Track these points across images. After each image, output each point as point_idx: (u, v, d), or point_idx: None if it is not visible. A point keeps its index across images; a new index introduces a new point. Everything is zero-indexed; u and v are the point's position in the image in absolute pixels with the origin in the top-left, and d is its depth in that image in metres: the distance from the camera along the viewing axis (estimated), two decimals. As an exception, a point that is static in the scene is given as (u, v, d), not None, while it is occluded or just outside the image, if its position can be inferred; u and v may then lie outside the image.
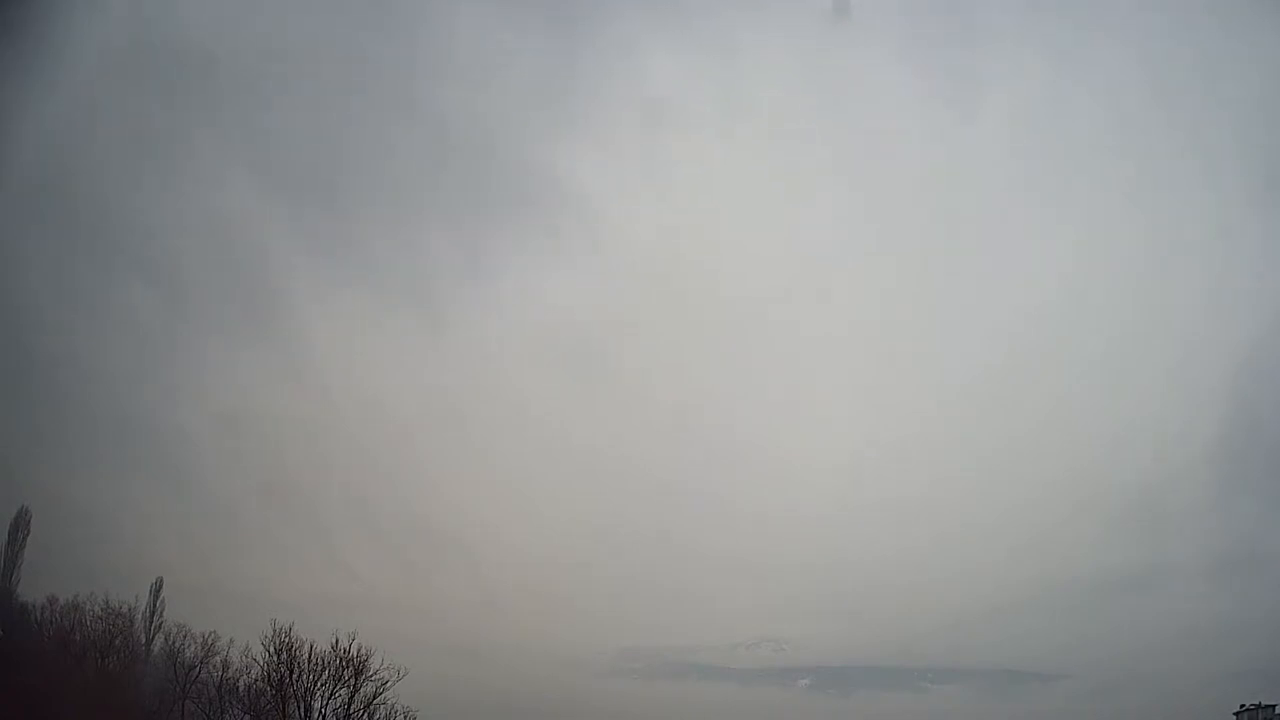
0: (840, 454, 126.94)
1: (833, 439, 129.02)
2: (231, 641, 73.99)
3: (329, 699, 72.43)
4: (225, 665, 73.54)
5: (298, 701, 71.10)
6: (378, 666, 72.89)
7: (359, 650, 72.70)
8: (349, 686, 72.44)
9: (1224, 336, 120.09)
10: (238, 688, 72.43)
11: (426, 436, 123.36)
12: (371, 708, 73.22)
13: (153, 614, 78.27)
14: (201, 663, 73.90)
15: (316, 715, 71.96)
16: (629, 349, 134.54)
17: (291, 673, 71.38)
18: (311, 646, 72.24)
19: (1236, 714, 77.04)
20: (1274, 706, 74.46)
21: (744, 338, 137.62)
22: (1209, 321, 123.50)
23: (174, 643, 75.82)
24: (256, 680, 71.91)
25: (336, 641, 72.62)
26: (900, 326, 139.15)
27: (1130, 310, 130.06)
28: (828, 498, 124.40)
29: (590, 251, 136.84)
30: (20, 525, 78.09)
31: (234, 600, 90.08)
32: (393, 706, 73.92)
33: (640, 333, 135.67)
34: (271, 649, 71.41)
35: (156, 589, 79.17)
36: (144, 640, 77.37)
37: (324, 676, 72.18)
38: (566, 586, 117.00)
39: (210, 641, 74.26)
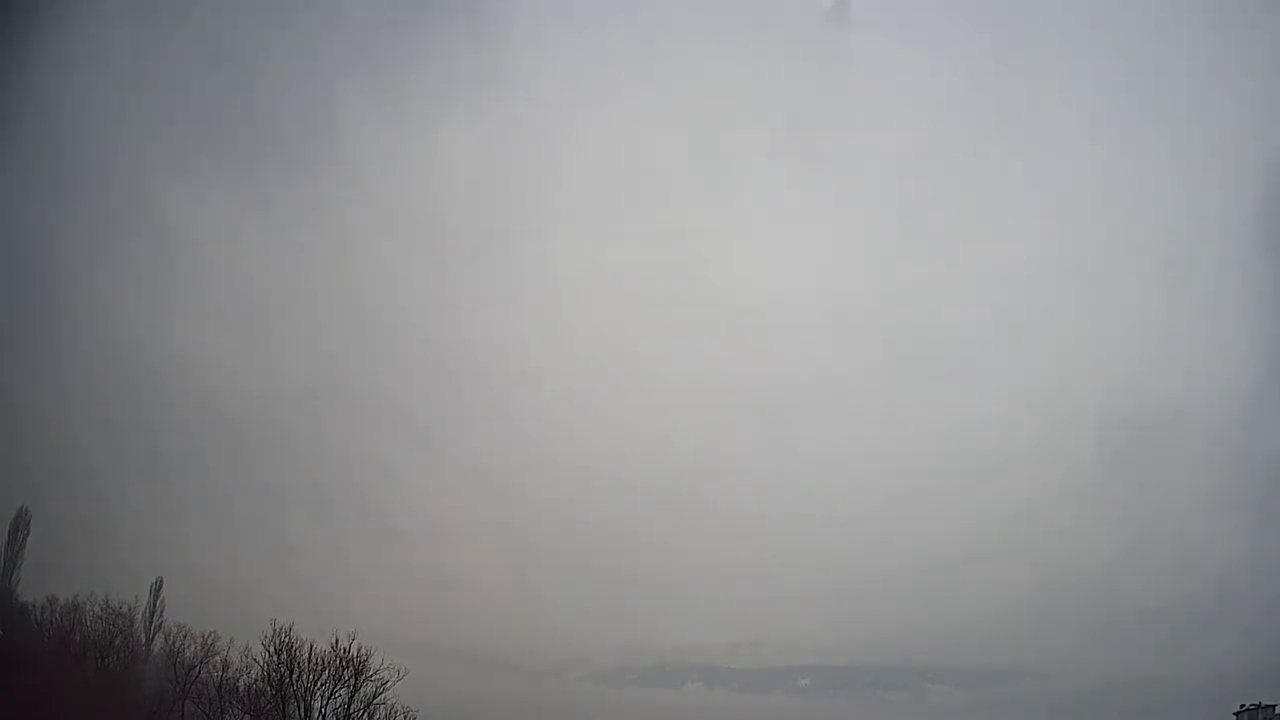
0: (840, 456, 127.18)
1: (833, 443, 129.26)
2: (231, 641, 74.05)
3: (329, 699, 72.18)
4: (225, 665, 73.58)
5: (298, 701, 70.88)
6: (378, 666, 72.77)
7: (359, 650, 72.53)
8: (349, 686, 72.20)
9: (1220, 333, 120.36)
10: (238, 688, 72.27)
11: (426, 428, 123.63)
12: (371, 708, 73.01)
13: (153, 614, 78.39)
14: (201, 663, 73.91)
15: (316, 715, 71.73)
16: (636, 348, 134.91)
17: (291, 673, 71.11)
18: (311, 646, 71.97)
19: (1236, 714, 76.88)
20: (1274, 706, 74.31)
21: (744, 341, 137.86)
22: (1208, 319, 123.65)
23: (174, 643, 75.98)
24: (256, 680, 71.70)
25: (336, 641, 72.42)
26: (904, 327, 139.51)
27: (1130, 309, 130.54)
28: (827, 500, 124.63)
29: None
30: (20, 525, 78.26)
31: (234, 600, 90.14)
32: (393, 706, 73.80)
33: (644, 335, 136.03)
34: (271, 649, 71.17)
35: (156, 589, 79.35)
36: (144, 640, 77.42)
37: (324, 676, 71.91)
38: (566, 588, 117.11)
39: (210, 641, 74.37)
